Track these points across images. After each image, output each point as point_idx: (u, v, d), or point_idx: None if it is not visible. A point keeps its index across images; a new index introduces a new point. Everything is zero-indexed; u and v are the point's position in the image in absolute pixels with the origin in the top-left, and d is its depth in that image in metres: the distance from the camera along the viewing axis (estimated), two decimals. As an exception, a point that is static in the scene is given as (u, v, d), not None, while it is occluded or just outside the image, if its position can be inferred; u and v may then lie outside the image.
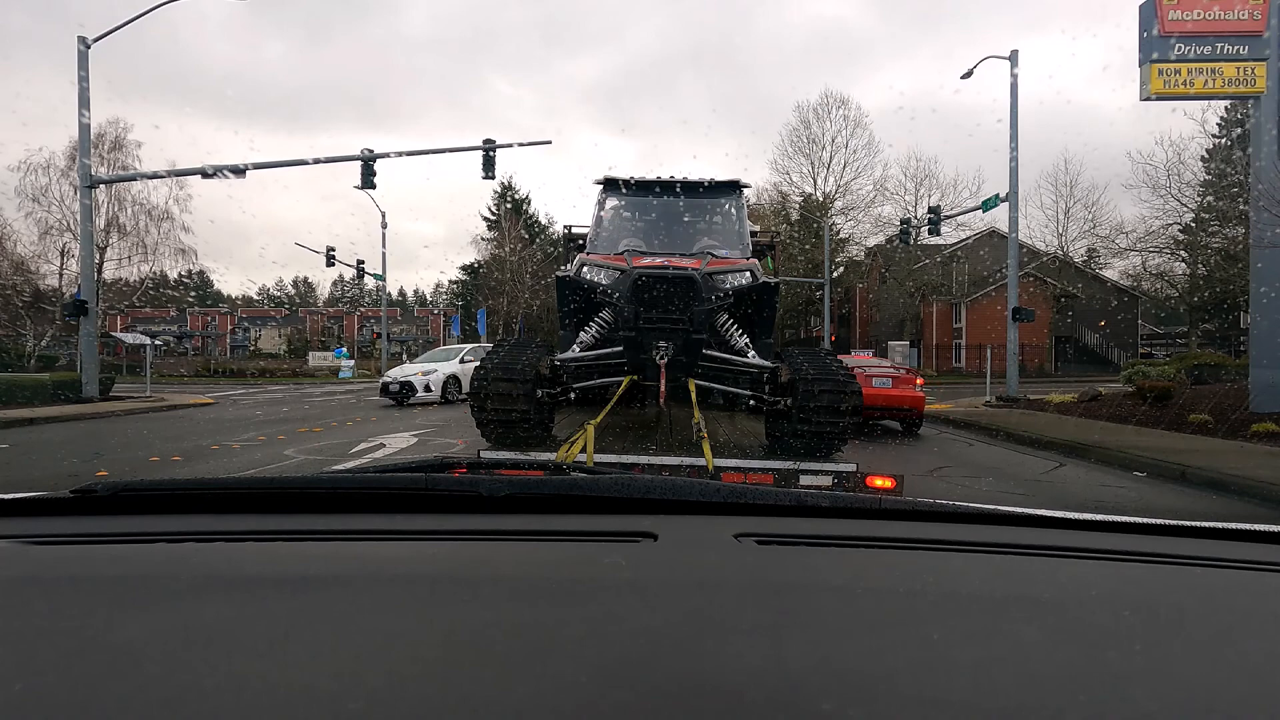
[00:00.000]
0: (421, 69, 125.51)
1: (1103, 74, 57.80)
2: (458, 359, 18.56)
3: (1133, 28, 15.27)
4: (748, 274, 5.19)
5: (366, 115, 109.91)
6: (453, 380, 17.50)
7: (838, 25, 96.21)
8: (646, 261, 4.97)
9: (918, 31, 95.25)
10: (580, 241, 7.26)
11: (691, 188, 6.33)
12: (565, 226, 8.82)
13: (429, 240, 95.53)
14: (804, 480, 4.13)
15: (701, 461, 3.99)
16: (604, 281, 5.08)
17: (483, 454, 4.30)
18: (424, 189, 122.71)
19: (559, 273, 5.84)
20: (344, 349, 44.11)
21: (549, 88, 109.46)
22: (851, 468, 4.19)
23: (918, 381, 12.05)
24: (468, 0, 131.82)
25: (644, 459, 4.13)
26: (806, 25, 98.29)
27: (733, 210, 6.36)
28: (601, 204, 6.43)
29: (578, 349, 5.27)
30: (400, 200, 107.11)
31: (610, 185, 6.44)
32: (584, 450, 4.09)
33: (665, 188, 6.36)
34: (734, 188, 6.38)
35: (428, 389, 17.21)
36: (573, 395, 5.08)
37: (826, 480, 4.14)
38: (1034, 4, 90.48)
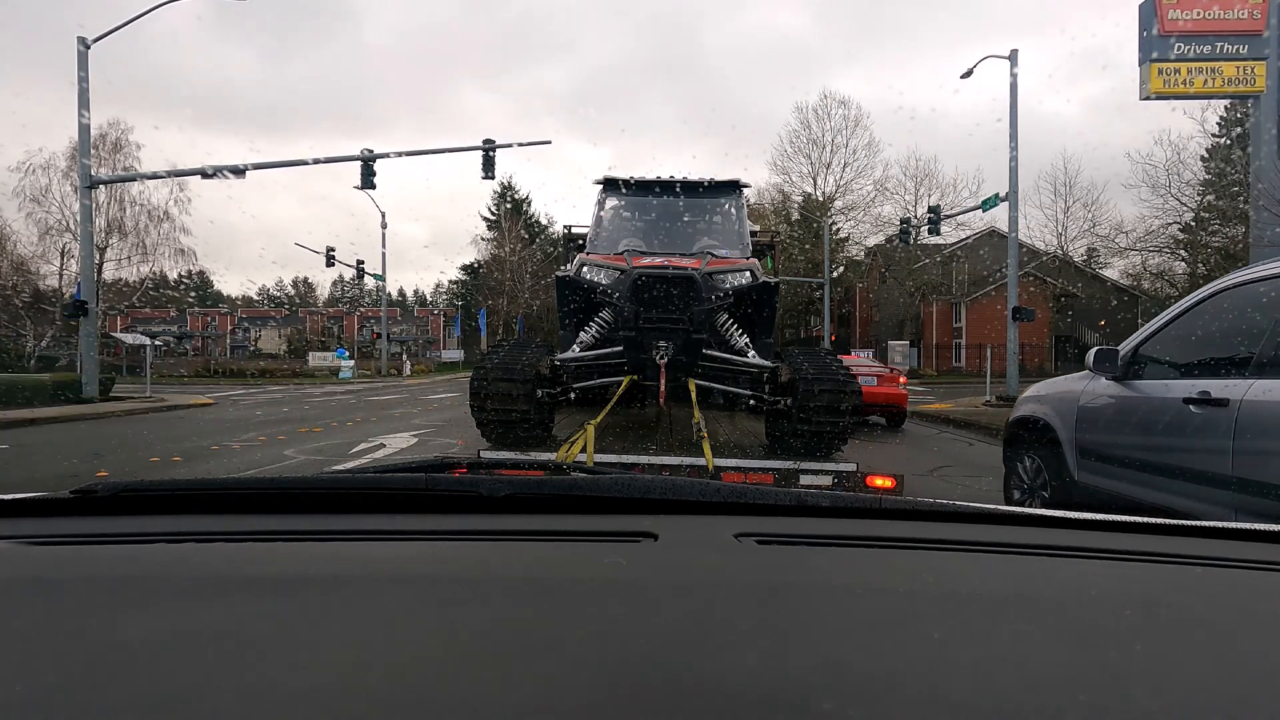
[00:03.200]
0: (415, 77, 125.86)
1: (1102, 73, 57.87)
2: None
3: (1132, 27, 15.28)
4: (748, 274, 5.19)
5: (362, 121, 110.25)
6: None
7: (838, 25, 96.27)
8: (646, 261, 4.97)
9: (917, 31, 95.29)
10: (580, 241, 7.26)
11: (691, 187, 6.33)
12: (565, 226, 8.83)
13: (429, 241, 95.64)
14: (804, 480, 4.14)
15: (701, 461, 4.00)
16: (604, 281, 5.08)
17: (483, 454, 4.30)
18: (425, 191, 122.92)
19: (559, 273, 5.84)
20: (344, 349, 44.10)
21: (545, 92, 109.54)
22: (851, 467, 4.19)
23: (901, 380, 12.95)
24: (460, 7, 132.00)
25: (644, 459, 4.13)
26: (805, 25, 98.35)
27: (732, 210, 6.36)
28: (601, 204, 6.43)
29: (578, 349, 5.27)
30: (400, 201, 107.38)
31: (610, 185, 6.43)
32: (584, 450, 4.10)
33: (665, 187, 6.36)
34: (734, 187, 6.38)
35: None
36: (573, 395, 5.08)
37: (826, 480, 4.15)
38: (1034, 4, 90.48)
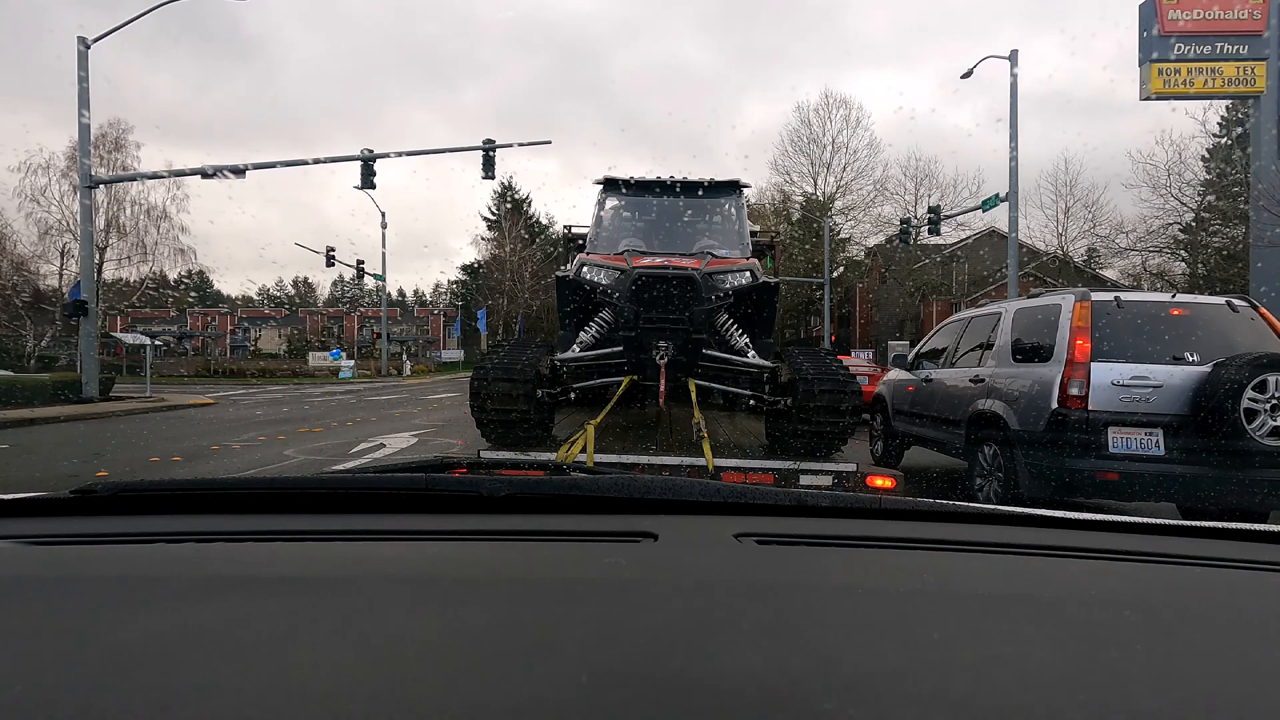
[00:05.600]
0: (407, 83, 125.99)
1: (1102, 73, 57.68)
2: None
3: (1132, 27, 15.28)
4: (748, 274, 5.19)
5: (360, 124, 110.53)
6: None
7: (836, 24, 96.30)
8: (646, 261, 4.97)
9: (917, 31, 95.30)
10: (580, 241, 7.26)
11: (691, 188, 6.33)
12: (565, 226, 8.82)
13: (429, 241, 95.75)
14: (804, 480, 4.14)
15: (701, 461, 4.00)
16: (604, 281, 5.08)
17: (483, 454, 4.30)
18: (425, 191, 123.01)
19: (559, 273, 5.85)
20: (339, 350, 44.12)
21: (543, 94, 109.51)
22: (851, 467, 4.20)
23: None
24: (458, 10, 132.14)
25: (644, 459, 4.13)
26: (802, 24, 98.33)
27: (732, 210, 6.36)
28: (601, 204, 6.43)
29: (578, 349, 5.27)
30: (400, 201, 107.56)
31: (610, 185, 6.43)
32: (584, 450, 4.10)
33: (665, 188, 6.36)
34: (734, 187, 6.38)
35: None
36: (573, 395, 5.08)
37: (826, 480, 4.15)
38: (1034, 4, 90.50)
